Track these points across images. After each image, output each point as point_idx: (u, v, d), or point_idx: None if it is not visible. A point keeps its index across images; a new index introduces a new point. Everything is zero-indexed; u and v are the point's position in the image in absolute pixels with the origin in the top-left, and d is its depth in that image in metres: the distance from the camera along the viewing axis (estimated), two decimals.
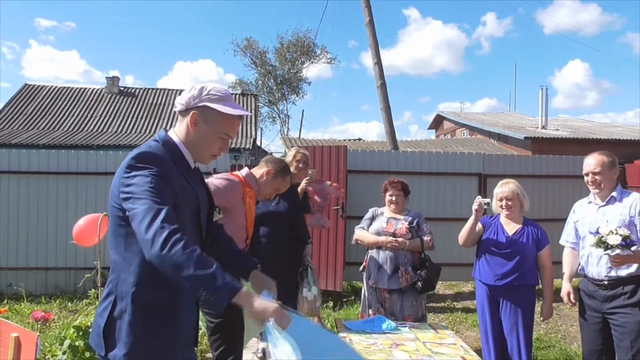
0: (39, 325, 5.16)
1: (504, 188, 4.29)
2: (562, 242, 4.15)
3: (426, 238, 4.63)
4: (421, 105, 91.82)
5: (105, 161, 8.15)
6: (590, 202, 3.87)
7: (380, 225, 4.68)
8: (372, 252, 4.69)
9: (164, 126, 23.83)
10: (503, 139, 23.57)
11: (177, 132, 2.27)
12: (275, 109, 44.21)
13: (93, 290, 5.96)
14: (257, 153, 24.40)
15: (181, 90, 27.26)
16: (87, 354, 4.29)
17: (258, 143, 28.59)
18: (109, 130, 23.08)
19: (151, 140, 2.23)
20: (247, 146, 20.83)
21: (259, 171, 3.89)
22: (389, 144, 12.15)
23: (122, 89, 26.99)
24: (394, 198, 4.71)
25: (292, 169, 5.70)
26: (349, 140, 27.88)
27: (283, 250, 4.55)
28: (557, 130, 24.00)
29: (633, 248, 3.42)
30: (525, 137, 21.02)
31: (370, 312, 4.61)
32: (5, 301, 7.17)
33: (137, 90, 27.30)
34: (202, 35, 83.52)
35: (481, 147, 21.88)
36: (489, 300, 4.31)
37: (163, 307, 2.10)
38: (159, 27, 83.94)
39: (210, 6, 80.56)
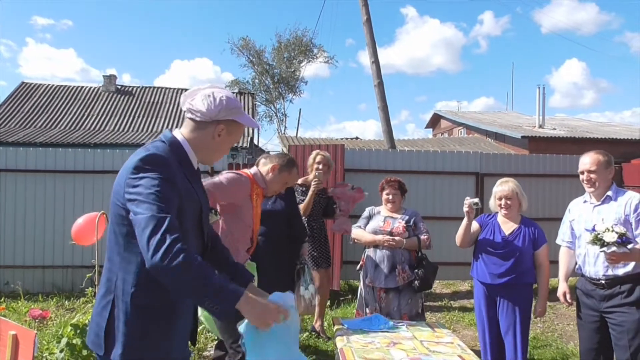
0: (36, 323, 5.15)
1: (503, 187, 4.29)
2: (558, 241, 4.16)
3: (423, 237, 4.64)
4: (418, 104, 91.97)
5: (103, 159, 8.14)
6: (585, 202, 3.89)
7: (377, 224, 4.68)
8: (369, 251, 4.69)
9: (160, 124, 23.89)
10: (500, 138, 23.60)
11: (189, 136, 2.28)
12: (273, 107, 44.26)
13: (90, 288, 5.95)
14: (255, 152, 24.38)
15: (179, 89, 27.40)
16: (85, 352, 4.29)
17: (255, 142, 28.55)
18: (106, 128, 23.06)
19: (157, 141, 2.23)
20: (245, 145, 20.83)
21: (264, 168, 3.89)
22: (386, 142, 12.15)
23: (119, 87, 26.98)
24: (390, 197, 4.71)
25: (310, 171, 5.72)
26: (346, 139, 27.85)
27: (280, 249, 4.55)
28: (554, 129, 24.02)
29: (629, 246, 3.43)
30: (523, 136, 21.04)
31: (367, 310, 4.62)
32: (3, 299, 7.16)
33: (134, 89, 27.30)
34: (199, 33, 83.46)
35: (478, 146, 21.89)
36: (487, 299, 4.32)
37: (161, 308, 2.10)
38: (156, 25, 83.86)
39: (207, 4, 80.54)
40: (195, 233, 2.26)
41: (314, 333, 5.87)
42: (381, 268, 4.55)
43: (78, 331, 4.32)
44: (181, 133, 2.28)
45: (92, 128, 22.93)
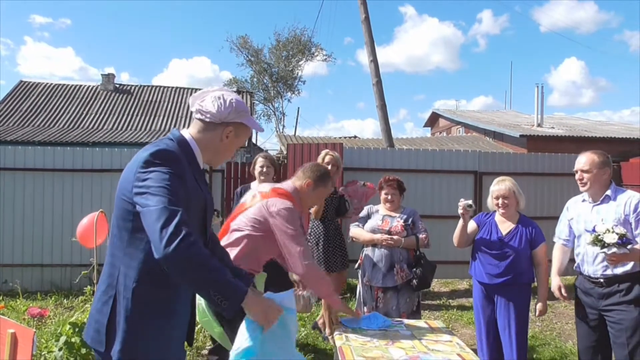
0: (34, 322, 5.15)
1: (500, 186, 4.28)
2: (554, 238, 4.16)
3: (421, 236, 4.64)
4: (417, 103, 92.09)
5: (101, 158, 8.14)
6: (584, 200, 3.89)
7: (376, 223, 4.68)
8: (367, 250, 4.69)
9: (159, 123, 23.88)
10: (499, 136, 23.61)
11: (197, 136, 2.30)
12: (271, 106, 44.24)
13: (89, 287, 5.94)
14: (253, 150, 24.39)
15: (177, 88, 27.37)
16: (83, 350, 4.29)
17: (253, 140, 28.57)
18: (105, 127, 23.04)
19: (165, 139, 2.25)
20: (243, 144, 20.79)
21: (297, 183, 3.57)
22: (384, 141, 12.15)
23: (117, 86, 26.95)
24: (389, 197, 4.71)
25: None
26: (345, 137, 27.85)
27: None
28: (553, 128, 24.03)
29: (629, 246, 3.44)
30: (521, 135, 21.05)
31: (365, 309, 4.61)
32: (1, 298, 7.16)
33: (133, 88, 27.27)
34: (197, 32, 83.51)
35: (477, 145, 21.90)
36: (485, 298, 4.32)
37: (162, 304, 2.11)
38: (154, 24, 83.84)
39: (206, 3, 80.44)
40: (198, 232, 2.26)
41: (315, 330, 5.83)
42: (379, 267, 4.55)
43: (76, 329, 4.33)
44: (189, 133, 2.30)
45: (90, 127, 22.90)
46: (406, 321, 4.11)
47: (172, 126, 23.60)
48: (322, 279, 3.34)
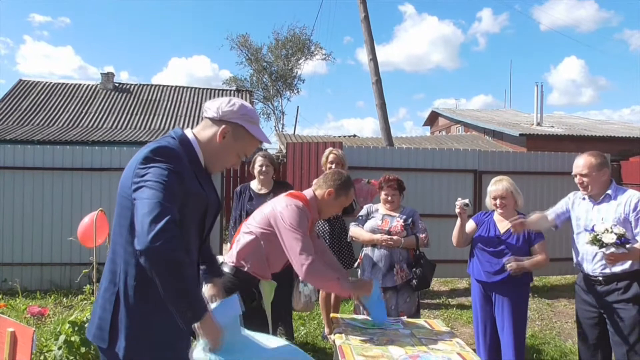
0: (34, 321, 5.15)
1: (497, 186, 4.27)
2: (545, 212, 4.15)
3: (421, 235, 4.63)
4: (416, 102, 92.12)
5: (101, 157, 8.12)
6: (584, 199, 3.89)
7: (376, 222, 4.67)
8: (367, 250, 4.68)
9: (158, 122, 23.87)
10: (498, 135, 23.64)
11: (198, 134, 2.30)
12: (270, 105, 44.23)
13: (88, 286, 5.96)
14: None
15: (177, 87, 27.36)
16: (83, 349, 4.29)
17: None
18: (104, 126, 23.02)
19: (168, 137, 2.25)
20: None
21: (318, 192, 3.50)
22: (384, 140, 12.15)
23: (117, 85, 26.92)
24: (389, 197, 4.70)
25: (325, 170, 5.67)
26: (344, 136, 27.87)
27: None
28: (552, 127, 24.05)
29: (628, 246, 3.44)
30: (521, 134, 21.09)
31: (363, 310, 4.61)
32: (1, 296, 7.16)
33: (132, 86, 27.25)
34: (196, 31, 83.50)
35: (476, 144, 21.92)
36: (482, 297, 4.33)
37: (163, 301, 2.11)
38: (153, 23, 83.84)
39: (205, 2, 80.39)
40: (195, 230, 2.27)
41: (325, 340, 5.73)
42: (379, 267, 4.54)
43: (76, 328, 4.33)
44: (192, 131, 2.31)
45: (90, 126, 22.88)
46: (405, 319, 4.11)
47: (172, 125, 23.61)
48: (324, 277, 3.23)
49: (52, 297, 7.34)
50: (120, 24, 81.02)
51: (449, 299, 7.91)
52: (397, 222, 4.61)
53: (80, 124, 22.91)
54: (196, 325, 2.01)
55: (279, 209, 3.26)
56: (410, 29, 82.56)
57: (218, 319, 2.13)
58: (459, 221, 4.37)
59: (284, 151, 10.47)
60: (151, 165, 2.05)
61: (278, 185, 5.44)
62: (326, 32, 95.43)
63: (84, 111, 24.18)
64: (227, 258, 3.35)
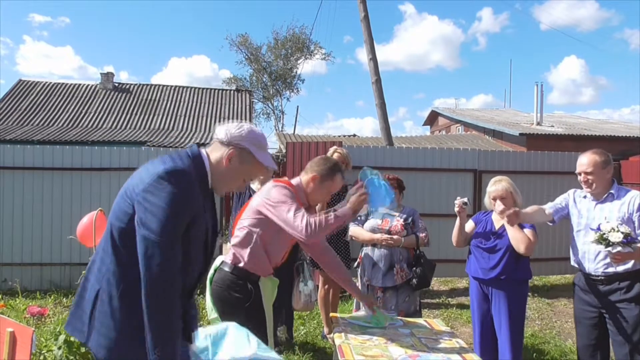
0: (34, 321, 5.15)
1: (496, 186, 4.25)
2: (544, 206, 4.14)
3: (421, 235, 4.63)
4: (416, 102, 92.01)
5: (100, 157, 8.12)
6: (585, 197, 3.88)
7: (376, 222, 4.67)
8: (367, 249, 4.68)
9: (158, 122, 23.88)
10: (498, 135, 23.63)
11: (210, 155, 2.33)
12: (270, 104, 44.21)
13: None
14: None
15: (176, 87, 27.40)
16: (82, 349, 4.29)
17: None
18: (104, 126, 23.03)
19: (184, 154, 2.27)
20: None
21: (304, 177, 3.45)
22: (383, 140, 12.15)
23: (116, 84, 26.91)
24: None
25: None
26: (344, 136, 27.85)
27: None
28: (552, 126, 24.04)
29: (633, 245, 3.44)
30: (521, 134, 21.07)
31: (363, 309, 4.61)
32: (1, 297, 7.15)
33: (132, 86, 27.25)
34: (196, 31, 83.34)
35: (476, 144, 21.92)
36: (480, 295, 4.32)
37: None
38: (153, 23, 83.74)
39: (205, 2, 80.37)
40: (199, 251, 2.31)
41: (325, 340, 5.75)
42: (379, 266, 4.54)
43: None
44: (206, 151, 2.34)
45: (89, 126, 22.88)
46: (405, 319, 4.11)
47: (172, 125, 23.64)
48: (324, 225, 3.10)
49: (52, 297, 7.35)
50: (120, 23, 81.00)
51: (449, 299, 7.91)
52: (397, 222, 4.61)
53: (80, 124, 22.91)
54: None
55: (265, 195, 3.25)
56: (410, 29, 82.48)
57: None
58: (458, 220, 4.37)
59: (284, 151, 10.46)
60: (162, 186, 2.07)
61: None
62: (326, 31, 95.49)
63: (84, 111, 24.18)
64: (226, 257, 3.35)
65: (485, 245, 4.23)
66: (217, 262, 3.35)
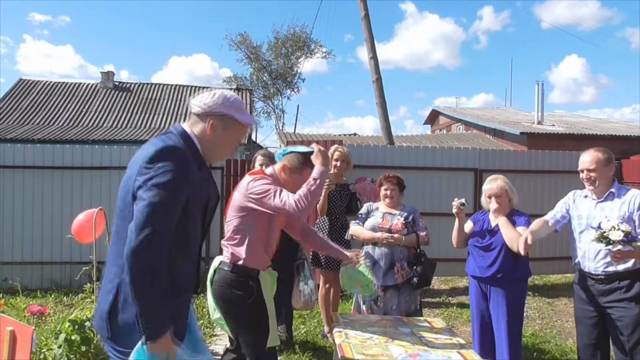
0: (34, 320, 5.15)
1: (492, 185, 4.29)
2: (546, 216, 4.13)
3: (422, 233, 4.63)
4: (417, 101, 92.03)
5: (101, 156, 8.12)
6: (586, 196, 3.88)
7: (376, 220, 4.67)
8: (368, 248, 4.67)
9: (158, 120, 23.88)
10: (499, 134, 23.61)
11: (193, 129, 2.37)
12: (270, 103, 44.22)
13: (88, 284, 5.94)
14: (252, 148, 24.38)
15: (177, 86, 27.40)
16: (83, 348, 4.29)
17: (253, 138, 28.57)
18: (104, 125, 23.05)
19: (171, 134, 2.31)
20: (242, 141, 20.78)
21: (277, 166, 3.48)
22: (384, 138, 12.13)
23: (117, 83, 26.96)
24: (388, 192, 4.70)
25: (330, 168, 5.65)
26: (345, 135, 27.88)
27: (279, 244, 4.53)
28: (553, 125, 24.04)
29: (634, 244, 3.43)
30: (521, 133, 21.06)
31: (364, 308, 4.61)
32: (1, 295, 7.15)
33: (132, 85, 27.29)
34: (196, 30, 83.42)
35: (477, 143, 21.92)
36: (479, 294, 4.33)
37: (165, 292, 2.15)
38: (153, 21, 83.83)
39: (205, 1, 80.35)
40: (199, 225, 2.36)
41: (325, 338, 5.74)
42: (380, 265, 4.54)
43: (76, 327, 4.32)
44: (189, 128, 2.37)
45: (90, 124, 22.90)
46: (406, 318, 4.12)
47: (172, 124, 23.61)
48: (311, 192, 3.12)
49: (53, 296, 7.35)
50: (120, 22, 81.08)
51: (449, 298, 7.90)
52: (398, 220, 4.61)
53: (81, 123, 22.93)
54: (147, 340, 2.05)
55: (246, 190, 3.26)
56: (411, 27, 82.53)
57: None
58: (456, 222, 4.40)
59: None
60: (157, 165, 2.11)
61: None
62: (326, 30, 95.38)
63: (84, 110, 24.20)
64: (224, 257, 3.35)
65: (481, 243, 4.26)
66: (215, 263, 3.36)
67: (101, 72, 26.83)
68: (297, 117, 45.95)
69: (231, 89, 29.37)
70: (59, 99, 24.81)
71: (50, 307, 6.17)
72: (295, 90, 44.29)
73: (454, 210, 4.33)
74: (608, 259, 3.58)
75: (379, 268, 4.53)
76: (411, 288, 4.53)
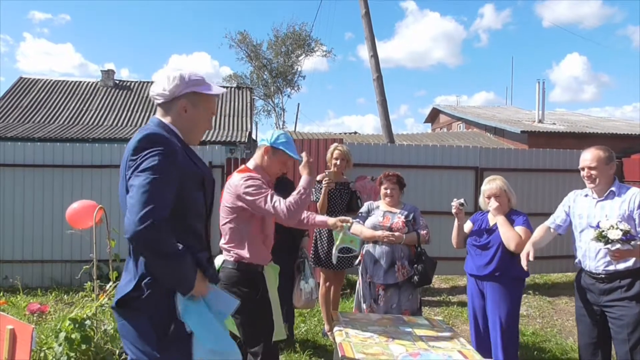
0: (35, 318, 5.14)
1: (491, 185, 4.31)
2: (547, 222, 4.13)
3: (422, 232, 4.62)
4: (417, 99, 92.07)
5: (101, 154, 8.13)
6: (587, 195, 3.87)
7: (377, 219, 4.66)
8: (368, 247, 4.67)
9: None
10: (499, 132, 23.58)
11: (165, 118, 2.39)
12: (271, 102, 44.21)
13: (89, 282, 5.93)
14: (253, 146, 24.36)
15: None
16: (83, 346, 4.29)
17: (253, 136, 28.55)
18: (105, 123, 23.05)
19: (147, 125, 2.35)
20: (243, 139, 20.80)
21: (257, 154, 3.53)
22: (385, 137, 12.11)
23: (117, 82, 26.96)
24: (388, 191, 4.69)
25: (330, 166, 5.65)
26: (345, 133, 27.88)
27: (280, 243, 4.53)
28: (554, 124, 24.01)
29: (633, 242, 3.43)
30: (522, 131, 21.02)
31: (364, 307, 4.60)
32: (1, 294, 7.16)
33: (132, 84, 27.27)
34: (196, 28, 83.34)
35: (477, 141, 21.88)
36: (476, 292, 4.35)
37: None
38: (153, 20, 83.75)
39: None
40: (199, 205, 2.39)
41: (325, 337, 5.74)
42: (380, 264, 4.53)
43: (77, 325, 4.32)
44: (160, 117, 2.40)
45: (90, 123, 22.90)
46: (407, 317, 4.11)
47: None
48: (300, 200, 3.22)
49: (53, 294, 7.36)
50: (121, 20, 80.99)
51: (450, 297, 7.90)
52: (399, 219, 4.60)
53: (81, 122, 22.93)
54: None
55: (235, 189, 3.29)
56: (411, 26, 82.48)
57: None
58: (456, 222, 4.42)
59: None
60: (142, 154, 2.14)
61: (279, 182, 5.43)
62: (326, 28, 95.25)
63: (85, 108, 24.20)
64: (226, 256, 3.36)
65: (479, 242, 4.29)
66: (218, 262, 3.36)
67: (101, 71, 26.89)
68: (297, 115, 46.02)
69: (231, 87, 29.39)
70: (59, 97, 24.81)
71: (50, 306, 6.16)
72: (296, 88, 44.35)
73: (453, 211, 4.36)
74: (608, 257, 3.57)
75: (379, 266, 4.53)
76: (412, 287, 4.53)
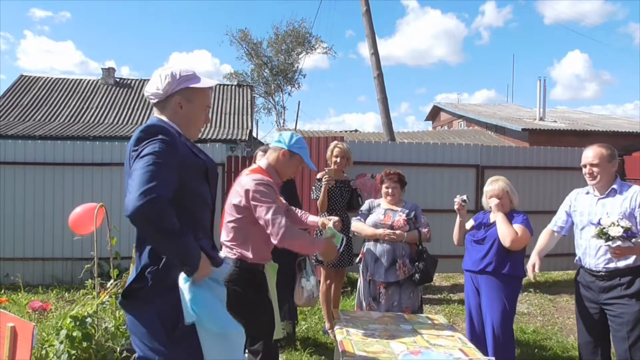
0: (36, 315, 5.15)
1: (493, 186, 4.31)
2: (550, 225, 4.14)
3: (424, 230, 4.62)
4: (418, 97, 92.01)
5: (102, 152, 8.14)
6: (588, 193, 3.87)
7: (378, 217, 4.66)
8: (369, 245, 4.67)
9: None
10: (500, 130, 23.56)
11: (163, 117, 2.42)
12: (271, 100, 44.17)
13: (90, 280, 5.93)
14: (253, 144, 24.36)
15: None
16: (84, 344, 4.29)
17: (254, 134, 28.54)
18: (105, 121, 23.05)
19: (149, 122, 2.36)
20: (244, 137, 20.80)
21: (272, 156, 3.53)
22: (385, 135, 12.11)
23: (118, 80, 26.96)
24: (390, 190, 4.69)
25: (330, 164, 5.64)
26: (346, 131, 27.82)
27: None
28: (555, 122, 23.97)
29: (633, 240, 3.43)
30: (523, 129, 20.99)
31: (365, 305, 4.60)
32: (3, 291, 7.16)
33: (133, 82, 27.27)
34: (197, 26, 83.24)
35: (478, 139, 21.86)
36: (471, 288, 4.35)
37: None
38: (154, 18, 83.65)
39: None
40: (204, 195, 2.41)
41: (326, 335, 5.75)
42: (381, 262, 4.53)
43: (78, 323, 4.31)
44: (157, 116, 2.44)
45: (91, 121, 22.91)
46: (407, 315, 4.11)
47: None
48: (299, 240, 3.28)
49: (54, 292, 7.36)
50: (121, 18, 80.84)
51: (451, 294, 7.90)
52: (400, 217, 4.60)
53: (82, 120, 22.93)
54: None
55: (244, 190, 3.29)
56: (412, 23, 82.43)
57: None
58: (458, 218, 4.42)
59: None
60: (143, 143, 2.17)
61: (284, 182, 5.43)
62: (327, 26, 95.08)
63: (85, 106, 24.20)
64: (228, 254, 3.36)
65: (476, 237, 4.30)
66: None
67: (102, 69, 26.88)
68: (298, 113, 46.07)
69: (232, 85, 29.38)
70: (60, 95, 24.82)
71: (51, 303, 6.16)
72: (296, 86, 44.29)
73: (456, 207, 4.36)
74: (608, 255, 3.58)
75: (380, 264, 4.53)
76: (413, 285, 4.53)
